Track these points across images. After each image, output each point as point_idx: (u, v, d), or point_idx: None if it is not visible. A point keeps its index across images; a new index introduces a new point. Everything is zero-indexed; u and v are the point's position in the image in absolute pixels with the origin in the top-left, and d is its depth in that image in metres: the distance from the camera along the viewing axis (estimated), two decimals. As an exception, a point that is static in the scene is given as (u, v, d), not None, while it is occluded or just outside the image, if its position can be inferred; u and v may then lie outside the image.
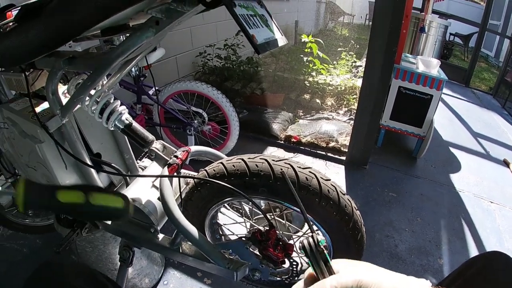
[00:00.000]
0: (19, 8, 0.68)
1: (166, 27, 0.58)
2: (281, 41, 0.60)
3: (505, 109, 4.21)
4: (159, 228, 0.87)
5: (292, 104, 3.18)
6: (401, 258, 1.54)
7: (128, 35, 0.61)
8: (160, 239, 0.86)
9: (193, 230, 0.72)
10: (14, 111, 0.86)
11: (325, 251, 0.38)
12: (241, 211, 0.96)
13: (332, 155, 2.36)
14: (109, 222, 0.91)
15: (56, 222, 0.95)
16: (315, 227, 0.78)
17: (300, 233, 0.93)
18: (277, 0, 5.33)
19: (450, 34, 7.20)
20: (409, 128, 2.43)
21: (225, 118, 1.95)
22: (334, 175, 2.18)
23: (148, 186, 0.89)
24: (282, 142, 2.52)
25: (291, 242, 0.82)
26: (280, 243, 0.70)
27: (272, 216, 0.87)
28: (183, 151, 0.84)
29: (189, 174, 0.95)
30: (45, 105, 0.87)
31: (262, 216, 0.88)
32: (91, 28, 0.55)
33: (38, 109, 0.85)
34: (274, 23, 0.63)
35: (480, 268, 0.58)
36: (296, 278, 0.90)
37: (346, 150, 2.33)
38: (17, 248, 1.42)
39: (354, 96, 3.22)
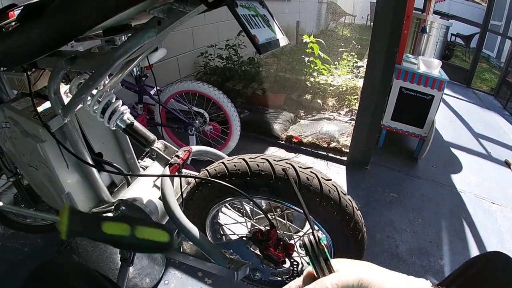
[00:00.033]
0: (21, 8, 0.69)
1: (168, 27, 0.59)
2: (283, 41, 0.60)
3: (507, 110, 4.20)
4: (160, 228, 0.87)
5: (293, 105, 3.18)
6: (402, 258, 1.54)
7: (130, 35, 0.61)
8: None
9: (194, 229, 0.72)
10: (16, 111, 0.86)
11: (325, 249, 0.38)
12: (242, 211, 0.96)
13: (333, 155, 2.36)
14: (110, 222, 0.91)
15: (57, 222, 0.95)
16: (316, 227, 0.78)
17: (301, 233, 0.93)
18: (279, 1, 5.33)
19: (452, 34, 7.20)
20: (410, 129, 2.42)
21: (227, 118, 1.95)
22: (335, 176, 2.18)
23: (150, 186, 0.89)
24: (283, 142, 2.52)
25: (292, 242, 0.82)
26: (281, 243, 0.70)
27: (273, 216, 0.87)
28: (184, 151, 0.84)
29: (190, 173, 0.95)
30: (47, 104, 0.87)
31: (263, 216, 0.88)
32: (93, 28, 0.56)
33: (40, 109, 0.85)
34: (276, 23, 0.63)
35: (480, 268, 0.58)
36: (297, 278, 0.90)
37: (347, 151, 2.32)
38: (18, 248, 1.42)
39: (356, 97, 3.22)
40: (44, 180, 0.92)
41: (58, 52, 0.77)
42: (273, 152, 2.42)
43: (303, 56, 3.49)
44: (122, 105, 0.84)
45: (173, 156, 0.83)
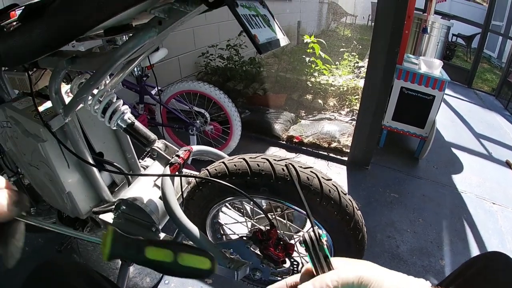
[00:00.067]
0: (23, 7, 0.69)
1: (169, 27, 0.59)
2: (283, 41, 0.60)
3: (508, 110, 4.19)
4: (160, 227, 0.87)
5: (294, 105, 3.18)
6: (403, 259, 1.54)
7: (131, 35, 0.61)
8: (161, 238, 0.87)
9: (194, 229, 0.72)
10: (17, 110, 0.86)
11: (325, 246, 0.37)
12: (242, 210, 0.96)
13: (334, 155, 2.36)
14: (110, 221, 0.91)
15: (58, 221, 0.96)
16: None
17: (301, 233, 0.93)
18: (280, 1, 5.33)
19: (453, 35, 7.19)
20: (411, 129, 2.42)
21: (227, 118, 1.95)
22: (336, 176, 2.18)
23: (150, 185, 0.89)
24: (284, 142, 2.52)
25: (292, 242, 0.82)
26: (281, 242, 0.70)
27: (273, 216, 0.87)
28: (185, 150, 0.84)
29: (190, 173, 0.95)
30: (48, 104, 0.87)
31: (263, 215, 0.88)
32: (93, 28, 0.56)
33: (41, 108, 0.85)
34: (276, 23, 0.63)
35: (480, 268, 0.58)
36: (294, 275, 0.90)
37: (348, 151, 2.32)
38: (19, 247, 1.42)
39: (356, 97, 3.22)
40: (45, 180, 0.92)
41: (59, 52, 0.78)
42: (274, 152, 2.42)
43: (304, 56, 3.49)
44: (123, 105, 0.84)
45: (173, 156, 0.83)
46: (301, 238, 0.38)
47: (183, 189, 0.87)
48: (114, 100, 0.83)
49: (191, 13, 0.54)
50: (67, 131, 0.83)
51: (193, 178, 0.85)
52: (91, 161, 0.86)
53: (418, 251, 1.59)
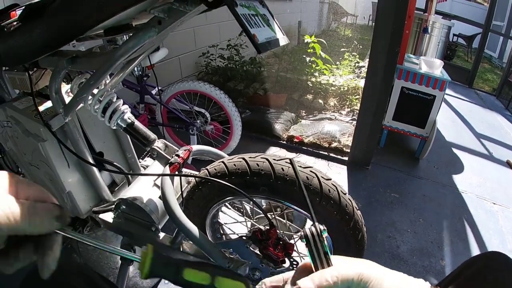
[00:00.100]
0: (23, 7, 0.69)
1: (169, 27, 0.59)
2: (283, 40, 0.60)
3: (509, 110, 4.19)
4: (160, 227, 0.87)
5: (294, 105, 3.18)
6: (403, 259, 1.54)
7: (131, 34, 0.62)
8: (161, 238, 0.87)
9: (193, 228, 0.73)
10: (17, 110, 0.87)
11: (325, 242, 0.37)
12: (242, 210, 0.96)
13: (334, 155, 2.36)
14: (110, 220, 0.91)
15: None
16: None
17: (301, 233, 0.93)
18: (281, 1, 5.33)
19: (454, 35, 7.18)
20: (411, 129, 2.42)
21: (228, 118, 1.95)
22: (336, 175, 2.18)
23: (150, 185, 0.89)
24: (285, 142, 2.52)
25: (291, 241, 0.82)
26: (281, 242, 0.70)
27: (273, 216, 0.87)
28: (185, 150, 0.84)
29: (190, 173, 0.95)
30: (48, 104, 0.87)
31: (263, 215, 0.88)
32: (93, 28, 0.56)
33: (41, 108, 0.86)
34: (276, 22, 0.63)
35: (479, 268, 0.58)
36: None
37: (349, 151, 2.32)
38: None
39: (357, 97, 3.22)
40: (45, 179, 0.92)
41: (60, 52, 0.78)
42: (275, 152, 2.42)
43: (304, 56, 3.50)
44: (123, 104, 0.84)
45: (173, 156, 0.83)
46: (302, 233, 0.38)
47: (183, 189, 0.87)
48: (114, 99, 0.83)
49: (190, 13, 0.54)
50: (67, 131, 0.83)
51: (193, 178, 0.86)
52: (91, 160, 0.87)
53: (418, 251, 1.59)
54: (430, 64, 2.28)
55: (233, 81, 3.24)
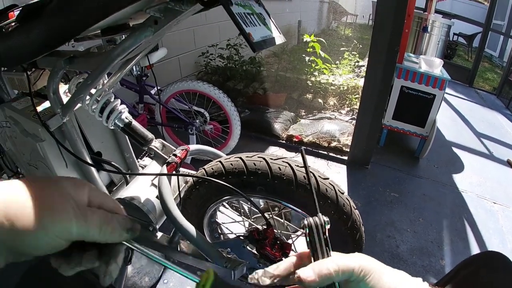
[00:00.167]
0: (21, 8, 0.69)
1: (165, 26, 0.59)
2: (279, 39, 0.60)
3: (509, 109, 4.18)
4: (157, 227, 0.87)
5: (294, 104, 3.18)
6: (403, 258, 1.54)
7: (128, 34, 0.62)
8: (158, 238, 0.87)
9: (190, 228, 0.72)
10: (16, 110, 0.87)
11: (327, 234, 0.37)
12: (240, 210, 0.96)
13: (334, 154, 2.36)
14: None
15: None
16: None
17: (299, 233, 0.93)
18: (280, 0, 5.33)
19: (454, 34, 7.17)
20: (411, 128, 2.41)
21: (227, 117, 1.95)
22: (336, 175, 2.17)
23: (148, 185, 0.89)
24: (284, 141, 2.52)
25: (289, 241, 0.82)
26: (278, 242, 0.70)
27: (270, 215, 0.87)
28: (182, 149, 0.84)
29: (187, 172, 0.95)
30: (47, 104, 0.87)
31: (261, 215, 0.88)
32: (90, 28, 0.56)
33: (39, 108, 0.86)
34: (272, 21, 0.63)
35: (477, 268, 0.58)
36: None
37: (348, 150, 2.32)
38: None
39: (357, 96, 3.21)
40: (43, 179, 0.92)
41: (58, 52, 0.78)
42: (274, 152, 2.42)
43: (304, 55, 3.49)
44: (121, 104, 0.84)
45: (170, 155, 0.83)
46: (305, 222, 0.37)
47: (180, 189, 0.87)
48: (112, 99, 0.83)
49: (186, 12, 0.54)
50: (65, 131, 0.83)
51: (191, 178, 0.86)
52: (89, 160, 0.87)
53: (418, 250, 1.59)
54: (430, 63, 2.28)
55: (233, 81, 3.24)
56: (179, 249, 0.81)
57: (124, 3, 0.51)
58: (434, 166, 2.42)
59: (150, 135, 0.87)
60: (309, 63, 3.39)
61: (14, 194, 0.31)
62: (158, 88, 1.92)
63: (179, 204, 0.86)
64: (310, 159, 2.35)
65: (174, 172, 0.78)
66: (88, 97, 0.81)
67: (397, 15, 1.70)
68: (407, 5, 1.74)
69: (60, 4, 0.57)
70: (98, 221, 0.35)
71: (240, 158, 0.76)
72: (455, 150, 2.73)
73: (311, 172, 0.74)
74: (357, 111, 2.45)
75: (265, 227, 0.70)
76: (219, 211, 0.96)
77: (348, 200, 0.77)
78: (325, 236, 0.37)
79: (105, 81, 0.88)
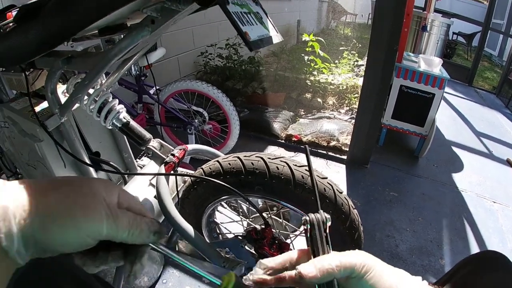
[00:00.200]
0: (18, 8, 0.69)
1: (162, 26, 0.59)
2: (276, 38, 0.60)
3: (509, 108, 4.18)
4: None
5: (293, 103, 3.18)
6: (402, 258, 1.54)
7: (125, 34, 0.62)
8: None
9: (188, 228, 0.72)
10: (14, 110, 0.87)
11: (328, 231, 0.37)
12: (238, 209, 0.96)
13: (333, 154, 2.36)
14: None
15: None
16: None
17: (297, 232, 0.93)
18: (279, 0, 5.33)
19: (453, 33, 7.17)
20: (411, 127, 2.41)
21: (226, 117, 1.95)
22: (335, 174, 2.17)
23: (146, 185, 0.89)
24: (283, 141, 2.52)
25: (287, 241, 0.82)
26: (276, 241, 0.70)
27: (269, 215, 0.87)
28: (180, 149, 0.84)
29: (186, 172, 0.95)
30: (45, 104, 0.87)
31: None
32: (88, 27, 0.56)
33: (37, 108, 0.86)
34: (270, 20, 0.63)
35: (476, 267, 0.58)
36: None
37: (347, 149, 2.32)
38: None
39: (356, 95, 3.21)
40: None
41: (55, 52, 0.78)
42: (273, 151, 2.42)
43: (303, 55, 3.49)
44: (119, 104, 0.84)
45: (168, 155, 0.83)
46: (306, 218, 0.37)
47: (178, 188, 0.87)
48: (110, 99, 0.83)
49: (183, 12, 0.54)
50: (63, 131, 0.83)
51: (189, 177, 0.86)
52: (87, 160, 0.86)
53: (417, 250, 1.59)
54: (429, 62, 2.27)
55: (232, 80, 3.24)
56: (177, 249, 0.81)
57: (119, 3, 0.51)
58: (434, 165, 2.42)
59: (148, 135, 0.87)
60: (308, 62, 3.39)
61: (47, 193, 0.32)
62: (157, 88, 1.92)
63: (177, 204, 0.86)
64: (309, 159, 2.35)
65: (172, 172, 0.78)
66: (86, 97, 0.81)
67: (396, 14, 1.70)
68: (406, 4, 1.74)
69: (57, 4, 0.57)
70: (128, 222, 0.35)
71: (238, 157, 0.75)
72: (455, 149, 2.73)
73: (309, 171, 0.74)
74: (356, 110, 2.45)
75: (263, 226, 0.70)
76: (217, 210, 0.96)
77: (347, 200, 0.77)
78: (325, 233, 0.37)
79: (103, 81, 0.87)
